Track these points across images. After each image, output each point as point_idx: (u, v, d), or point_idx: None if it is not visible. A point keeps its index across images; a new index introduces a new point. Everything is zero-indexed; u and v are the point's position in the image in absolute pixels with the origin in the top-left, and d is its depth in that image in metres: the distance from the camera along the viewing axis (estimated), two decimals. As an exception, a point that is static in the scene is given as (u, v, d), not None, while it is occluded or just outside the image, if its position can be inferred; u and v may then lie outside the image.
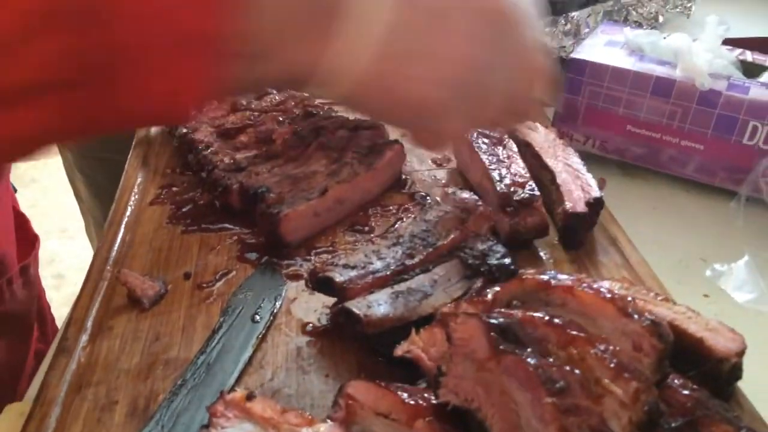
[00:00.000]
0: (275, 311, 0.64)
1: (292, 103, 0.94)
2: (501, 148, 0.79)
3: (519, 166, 0.76)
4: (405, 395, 0.48)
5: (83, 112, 0.35)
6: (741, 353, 0.55)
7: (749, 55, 0.91)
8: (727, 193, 0.85)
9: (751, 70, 0.88)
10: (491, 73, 0.48)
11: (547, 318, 0.49)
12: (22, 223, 0.83)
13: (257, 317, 0.62)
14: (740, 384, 0.57)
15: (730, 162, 0.83)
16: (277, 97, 0.94)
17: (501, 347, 0.45)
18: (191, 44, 0.34)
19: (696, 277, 0.73)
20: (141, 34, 0.33)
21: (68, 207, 1.68)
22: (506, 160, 0.77)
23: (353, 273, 0.61)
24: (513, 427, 0.42)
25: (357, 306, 0.56)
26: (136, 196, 0.80)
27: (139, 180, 0.83)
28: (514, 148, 0.80)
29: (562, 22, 1.08)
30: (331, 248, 0.72)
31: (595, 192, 0.74)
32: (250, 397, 0.49)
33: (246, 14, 0.36)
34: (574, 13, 1.09)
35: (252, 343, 0.60)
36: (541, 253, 0.73)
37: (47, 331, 0.89)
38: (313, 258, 0.71)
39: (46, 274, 0.86)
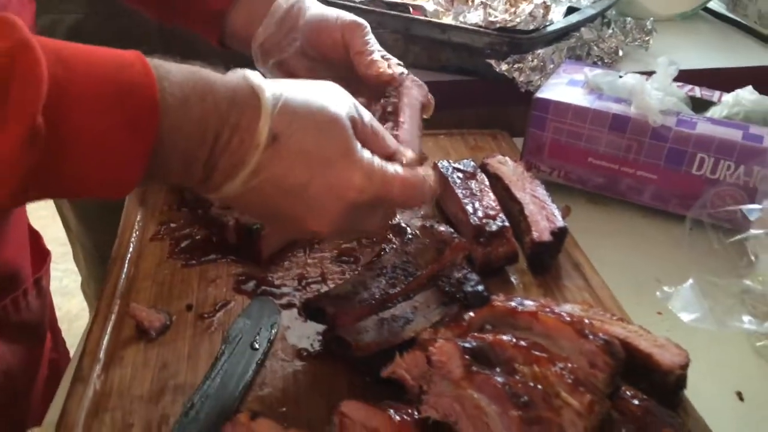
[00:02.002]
0: (272, 338, 0.70)
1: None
2: (474, 181, 0.87)
3: (490, 199, 0.84)
4: (392, 412, 0.54)
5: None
6: (685, 366, 0.62)
7: (698, 91, 1.00)
8: (680, 218, 0.93)
9: (699, 105, 0.97)
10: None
11: (513, 341, 0.57)
12: (35, 238, 0.89)
13: (256, 344, 0.69)
14: (687, 393, 0.65)
15: (681, 190, 0.92)
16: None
17: (473, 368, 0.52)
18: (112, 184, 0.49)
19: (651, 296, 0.80)
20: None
21: (51, 231, 1.72)
22: (479, 193, 0.85)
23: (342, 303, 0.67)
24: (485, 436, 0.49)
25: (347, 333, 0.63)
26: (137, 233, 0.86)
27: (138, 217, 0.89)
28: (486, 181, 0.88)
29: (530, 59, 1.17)
30: (320, 279, 0.79)
31: (559, 222, 0.82)
32: (254, 416, 0.56)
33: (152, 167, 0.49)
34: (540, 51, 1.17)
35: (252, 368, 0.66)
36: (512, 278, 0.81)
37: (58, 342, 0.95)
38: (304, 288, 0.78)
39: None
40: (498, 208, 0.82)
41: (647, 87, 0.92)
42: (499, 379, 0.51)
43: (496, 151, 1.06)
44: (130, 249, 0.83)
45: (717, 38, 1.48)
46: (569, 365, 0.54)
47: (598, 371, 0.56)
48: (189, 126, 0.50)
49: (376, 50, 0.75)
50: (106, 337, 0.70)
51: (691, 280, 0.70)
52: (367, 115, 0.60)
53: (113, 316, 0.73)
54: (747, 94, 0.94)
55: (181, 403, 0.62)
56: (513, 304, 0.62)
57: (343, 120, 0.56)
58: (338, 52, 0.76)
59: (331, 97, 0.57)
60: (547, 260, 0.81)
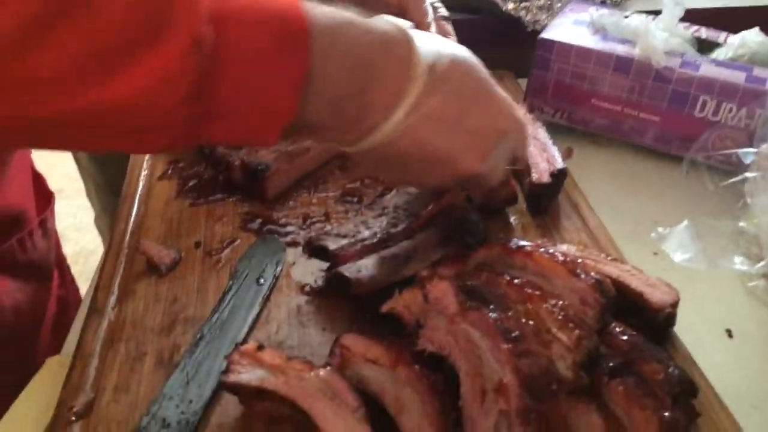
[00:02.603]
0: (277, 274, 0.73)
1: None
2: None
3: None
4: (389, 344, 0.57)
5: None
6: (675, 305, 0.65)
7: (704, 32, 0.99)
8: (681, 160, 0.94)
9: (704, 47, 0.96)
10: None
11: (508, 279, 0.59)
12: (39, 181, 0.91)
13: (261, 280, 0.72)
14: (677, 330, 0.67)
15: (683, 132, 0.92)
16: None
17: (467, 305, 0.54)
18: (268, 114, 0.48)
19: (647, 238, 0.82)
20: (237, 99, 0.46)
21: (63, 168, 1.74)
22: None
23: (344, 241, 0.70)
24: (476, 368, 0.52)
25: (348, 270, 0.66)
26: (146, 172, 0.88)
27: (147, 156, 0.91)
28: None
29: (537, -3, 1.15)
30: (324, 218, 0.81)
31: (559, 164, 0.83)
32: (260, 347, 0.59)
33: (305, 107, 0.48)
34: (548, -11, 1.15)
35: (258, 303, 0.69)
36: (511, 219, 0.82)
37: (66, 279, 0.98)
38: (308, 227, 0.80)
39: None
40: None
41: (652, 28, 0.91)
42: (492, 315, 0.53)
43: (500, 92, 1.06)
44: (140, 187, 0.86)
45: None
46: (560, 303, 0.57)
47: (588, 308, 0.59)
48: (340, 55, 0.49)
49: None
50: (119, 272, 0.73)
51: (686, 222, 0.72)
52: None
53: (125, 252, 0.76)
54: (753, 36, 0.93)
55: (191, 334, 0.66)
56: (509, 244, 0.64)
57: (474, 58, 0.58)
58: None
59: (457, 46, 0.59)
60: (545, 202, 0.82)
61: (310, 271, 0.74)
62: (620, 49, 0.92)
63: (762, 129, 0.77)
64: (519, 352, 0.52)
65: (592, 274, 0.60)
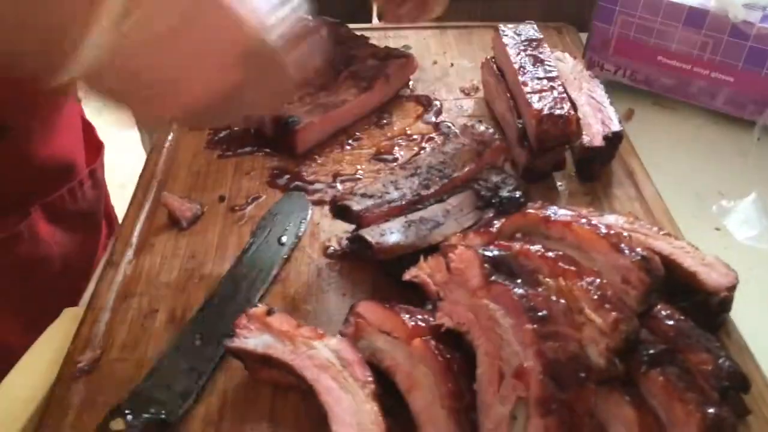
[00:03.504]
0: (300, 234, 0.69)
1: (325, 30, 0.96)
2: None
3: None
4: (406, 316, 0.53)
5: None
6: (732, 288, 0.57)
7: (794, -18, 0.88)
8: (754, 126, 0.85)
9: (792, -1, 0.85)
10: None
11: (542, 251, 0.53)
12: (89, 131, 0.90)
13: (283, 239, 0.68)
14: (734, 317, 0.60)
15: (760, 95, 0.83)
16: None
17: (492, 278, 0.49)
18: None
19: (710, 211, 0.74)
20: None
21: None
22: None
23: (370, 202, 0.65)
24: (496, 348, 0.47)
25: (370, 233, 0.61)
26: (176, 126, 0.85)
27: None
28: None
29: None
30: (355, 176, 0.77)
31: (615, 126, 0.75)
32: (270, 312, 0.55)
33: None
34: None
35: (277, 263, 0.65)
36: (558, 184, 0.76)
37: (114, 230, 0.98)
38: (338, 185, 0.75)
39: (109, 182, 0.94)
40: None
41: (733, -24, 0.81)
42: (518, 291, 0.48)
43: (560, 47, 0.98)
44: (169, 138, 0.83)
45: None
46: (599, 281, 0.51)
47: (630, 288, 0.52)
48: None
49: None
50: (139, 225, 0.71)
51: (753, 195, 0.64)
52: None
53: (148, 204, 0.73)
54: None
55: (206, 292, 0.63)
56: (547, 212, 0.58)
57: None
58: None
59: None
60: (597, 167, 0.75)
61: (335, 233, 0.70)
62: (693, 1, 0.83)
63: None
64: (545, 333, 0.46)
65: (639, 249, 0.53)
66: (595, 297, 0.49)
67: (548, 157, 0.73)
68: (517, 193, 0.67)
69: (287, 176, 0.77)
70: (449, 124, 0.84)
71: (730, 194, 0.75)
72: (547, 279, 0.51)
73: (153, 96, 0.50)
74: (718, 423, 0.48)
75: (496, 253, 0.51)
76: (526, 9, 1.12)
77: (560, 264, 0.52)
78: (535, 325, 0.46)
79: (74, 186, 0.81)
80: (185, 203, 0.72)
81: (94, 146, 0.89)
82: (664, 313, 0.55)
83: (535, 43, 0.79)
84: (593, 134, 0.74)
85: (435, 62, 0.96)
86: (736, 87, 0.84)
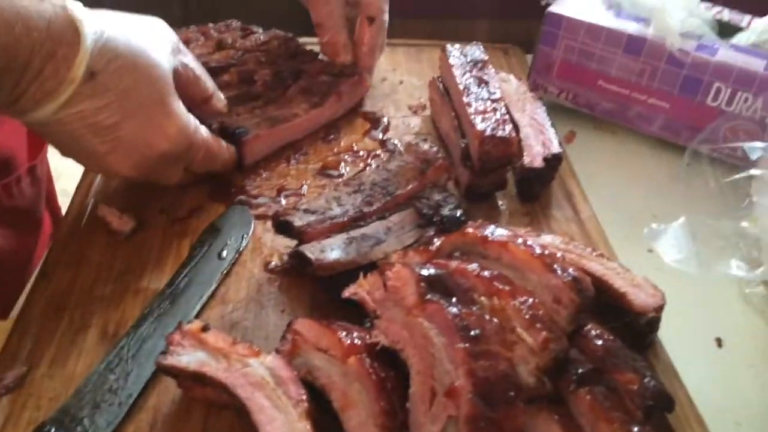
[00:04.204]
0: (241, 249, 0.68)
1: (276, 44, 0.96)
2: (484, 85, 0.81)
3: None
4: (343, 334, 0.53)
5: None
6: (659, 309, 0.59)
7: (726, 14, 0.92)
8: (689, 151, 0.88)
9: (725, 30, 0.89)
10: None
11: (477, 270, 0.54)
12: None
13: (224, 254, 0.67)
14: (663, 337, 0.62)
15: (693, 121, 0.86)
16: (261, 37, 0.96)
17: (427, 296, 0.50)
18: None
19: (639, 231, 0.76)
20: None
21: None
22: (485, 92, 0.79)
23: (312, 218, 0.65)
24: (429, 367, 0.47)
25: (310, 250, 0.61)
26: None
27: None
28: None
29: (551, -31, 1.08)
30: (299, 191, 0.77)
31: (555, 148, 0.77)
32: (205, 328, 0.55)
33: None
34: (564, -40, 1.08)
35: (216, 278, 0.65)
36: (500, 203, 0.77)
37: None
38: (281, 200, 0.75)
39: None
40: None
41: (669, 6, 0.84)
42: (452, 310, 0.48)
43: (505, 68, 1.00)
44: (111, 147, 0.81)
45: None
46: (530, 300, 0.52)
47: (561, 308, 0.54)
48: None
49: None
50: (76, 236, 0.69)
51: (682, 219, 0.66)
52: (187, 58, 0.66)
53: (85, 216, 0.72)
54: (780, 21, 0.86)
55: (141, 308, 0.62)
56: (485, 232, 0.59)
57: (162, 68, 0.60)
58: None
59: (154, 40, 0.60)
60: (537, 188, 0.77)
61: (277, 248, 0.69)
62: (632, 28, 0.86)
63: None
64: (477, 352, 0.47)
65: (571, 270, 0.55)
66: (527, 316, 0.50)
67: (490, 177, 0.74)
68: (458, 212, 0.68)
69: (231, 189, 0.76)
70: (395, 142, 0.85)
71: (663, 217, 0.77)
72: (482, 298, 0.52)
73: (89, 161, 0.63)
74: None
75: (432, 271, 0.52)
76: (474, 29, 1.14)
77: (495, 283, 0.53)
78: (467, 345, 0.47)
79: (11, 181, 0.80)
80: (124, 215, 0.70)
81: (36, 142, 0.87)
82: (593, 332, 0.56)
83: (480, 64, 0.81)
84: (534, 155, 0.76)
85: (384, 79, 0.97)
86: (671, 113, 0.87)
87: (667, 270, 0.70)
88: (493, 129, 0.72)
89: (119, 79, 0.56)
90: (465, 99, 0.75)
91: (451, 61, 0.81)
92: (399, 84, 0.97)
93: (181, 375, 0.53)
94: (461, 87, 0.77)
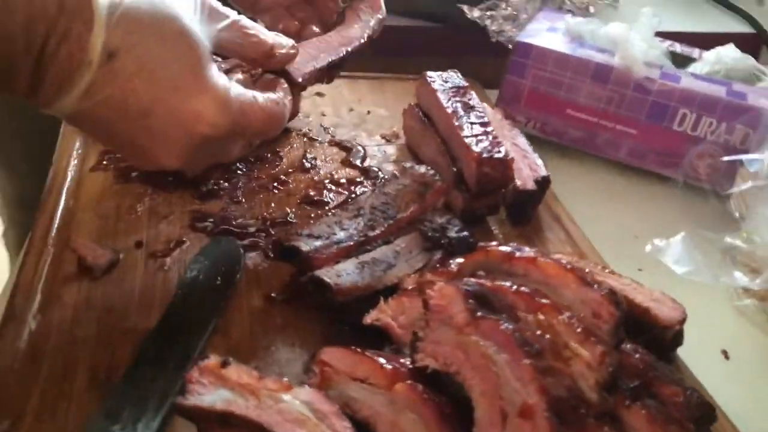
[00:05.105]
0: (235, 281, 0.63)
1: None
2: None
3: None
4: (382, 361, 0.49)
5: None
6: (682, 321, 0.59)
7: (678, 47, 0.97)
8: (656, 175, 0.91)
9: (678, 62, 0.94)
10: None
11: (514, 287, 0.52)
12: None
13: (218, 286, 0.62)
14: (678, 350, 0.62)
15: (659, 147, 0.89)
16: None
17: (479, 313, 0.47)
18: None
19: (629, 252, 0.77)
20: None
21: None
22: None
23: (318, 243, 0.61)
24: (494, 387, 0.44)
25: (327, 275, 0.57)
26: (76, 162, 0.76)
27: (77, 144, 0.79)
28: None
29: (503, 6, 1.11)
30: (286, 220, 0.72)
31: (542, 171, 0.77)
32: (224, 363, 0.49)
33: None
34: (514, -1, 1.12)
35: (215, 313, 0.59)
36: (492, 228, 0.76)
37: None
38: (270, 229, 0.70)
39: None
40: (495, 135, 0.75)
41: (631, 37, 0.88)
42: (508, 326, 0.46)
43: (465, 101, 1.00)
44: (68, 179, 0.74)
45: (679, 3, 1.46)
46: (574, 315, 0.50)
47: (602, 322, 0.52)
48: (12, 28, 0.42)
49: None
50: (43, 275, 0.61)
51: (682, 234, 0.68)
52: (226, 16, 0.53)
53: (50, 251, 0.64)
54: (729, 52, 0.92)
55: (133, 348, 0.55)
56: (509, 249, 0.57)
57: (194, 36, 0.49)
58: None
59: (183, 2, 0.49)
60: (529, 210, 0.76)
61: (274, 278, 0.64)
62: (599, 57, 0.88)
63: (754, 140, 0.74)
64: (542, 368, 0.44)
65: (604, 284, 0.54)
66: (578, 330, 0.48)
67: (485, 200, 0.73)
68: (465, 233, 0.66)
69: (211, 220, 0.70)
70: (376, 169, 0.82)
71: (646, 237, 0.79)
72: (526, 314, 0.50)
73: (131, 155, 0.54)
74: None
75: (477, 288, 0.49)
76: (426, 65, 1.15)
77: (537, 299, 0.51)
78: (532, 361, 0.44)
79: None
80: (98, 249, 0.63)
81: None
82: (629, 347, 0.55)
83: (462, 90, 0.80)
84: (524, 178, 0.75)
85: (351, 109, 0.95)
86: (638, 139, 0.90)
87: (661, 287, 0.70)
88: (489, 151, 0.71)
89: (143, 55, 0.46)
90: (456, 123, 0.74)
91: (434, 86, 0.80)
92: (367, 114, 0.95)
93: (204, 417, 0.47)
94: (449, 111, 0.76)
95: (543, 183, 0.76)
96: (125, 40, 0.45)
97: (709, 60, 0.92)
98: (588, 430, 0.44)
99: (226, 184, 0.75)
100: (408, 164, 0.72)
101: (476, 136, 0.72)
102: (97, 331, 0.56)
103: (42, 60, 0.44)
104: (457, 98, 0.79)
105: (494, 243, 0.59)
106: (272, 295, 0.62)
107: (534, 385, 0.43)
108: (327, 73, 0.69)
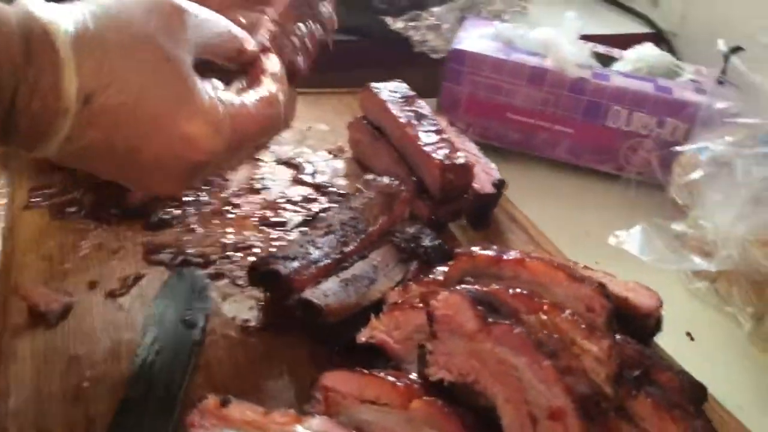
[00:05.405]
0: (208, 313, 0.59)
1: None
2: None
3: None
4: (392, 379, 0.47)
5: None
6: (660, 307, 0.61)
7: (600, 48, 1.01)
8: (592, 171, 0.94)
9: (603, 61, 0.98)
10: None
11: (511, 290, 0.51)
12: None
13: (189, 321, 0.57)
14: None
15: (596, 144, 0.92)
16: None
17: (489, 319, 0.46)
18: None
19: (582, 248, 0.79)
20: None
21: None
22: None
23: (295, 264, 0.58)
24: (516, 392, 0.43)
25: (315, 297, 0.54)
26: (6, 201, 0.70)
27: (0, 182, 0.72)
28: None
29: (425, 17, 1.12)
30: (247, 245, 0.69)
31: (497, 174, 0.78)
32: (225, 402, 0.45)
33: None
34: (435, 9, 1.13)
35: (192, 349, 0.55)
36: (455, 235, 0.75)
37: None
38: (231, 254, 0.67)
39: None
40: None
41: (561, 40, 0.91)
42: (521, 329, 0.45)
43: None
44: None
45: (580, 8, 1.53)
46: (575, 311, 0.50)
47: (596, 315, 0.52)
48: None
49: None
50: (-13, 326, 0.55)
51: (640, 226, 0.70)
52: (202, 13, 0.48)
53: (-8, 302, 0.58)
54: (649, 50, 0.96)
55: (110, 398, 0.50)
56: (494, 252, 0.57)
57: (171, 53, 0.44)
58: None
59: (154, 17, 0.44)
60: (489, 214, 0.76)
61: (246, 306, 0.61)
62: (533, 61, 0.91)
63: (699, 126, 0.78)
64: (561, 368, 0.44)
65: (590, 278, 0.54)
66: (583, 326, 0.48)
67: (448, 207, 0.72)
68: (438, 241, 0.65)
69: (169, 251, 0.66)
70: (328, 184, 0.80)
71: (596, 233, 0.81)
72: (528, 316, 0.49)
73: (131, 184, 0.51)
74: (706, 433, 0.50)
75: (482, 293, 0.48)
76: (358, 80, 1.14)
77: (536, 299, 0.50)
78: (551, 361, 0.44)
79: None
80: (50, 293, 0.58)
81: None
82: (619, 337, 0.56)
83: (410, 99, 0.80)
84: (482, 182, 0.76)
85: (292, 127, 0.92)
86: (575, 137, 0.93)
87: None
88: (450, 158, 0.71)
89: (122, 91, 0.42)
90: (412, 132, 0.73)
91: (383, 97, 0.79)
92: (307, 130, 0.92)
93: (213, 462, 0.43)
94: (403, 121, 0.75)
95: (500, 185, 0.77)
96: (100, 79, 0.41)
97: (630, 59, 0.97)
98: (611, 425, 0.44)
99: (178, 211, 0.71)
100: (370, 177, 0.71)
101: (434, 144, 0.72)
102: (63, 385, 0.51)
103: (14, 111, 0.39)
104: (408, 107, 0.78)
105: (477, 248, 0.59)
106: (249, 323, 0.59)
107: (559, 386, 0.42)
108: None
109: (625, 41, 1.07)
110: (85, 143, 0.42)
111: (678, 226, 0.75)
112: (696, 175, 0.71)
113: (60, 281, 0.61)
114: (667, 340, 0.67)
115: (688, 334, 0.70)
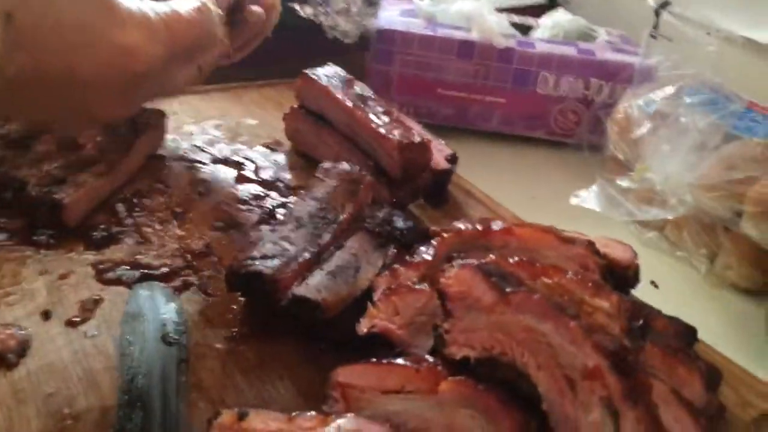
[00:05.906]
0: (185, 328, 0.54)
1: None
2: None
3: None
4: (413, 364, 0.45)
5: None
6: (636, 258, 0.62)
7: (515, 18, 1.02)
8: (527, 139, 0.96)
9: (521, 30, 0.99)
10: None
11: (510, 258, 0.51)
12: None
13: (169, 338, 0.53)
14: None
15: (528, 111, 0.94)
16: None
17: (507, 289, 0.45)
18: None
19: (535, 213, 0.79)
20: None
21: None
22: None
23: (276, 262, 0.55)
24: (548, 358, 0.42)
25: (308, 293, 0.51)
26: None
27: None
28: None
29: (334, 1, 1.10)
30: (208, 250, 0.64)
31: (446, 149, 0.77)
32: (242, 415, 0.42)
33: None
34: (343, -9, 1.10)
35: (179, 367, 0.50)
36: (417, 214, 0.74)
37: None
38: (194, 263, 0.62)
39: None
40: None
41: (484, 11, 0.91)
42: (539, 294, 0.44)
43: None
44: None
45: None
46: (575, 271, 0.50)
47: (591, 273, 0.53)
48: None
49: None
50: (-65, 378, 0.48)
51: (596, 185, 0.71)
52: None
53: (-69, 349, 0.50)
54: (562, 16, 0.99)
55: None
56: (480, 225, 0.56)
57: None
58: None
59: None
60: (446, 189, 0.76)
61: (226, 314, 0.57)
62: (460, 34, 0.90)
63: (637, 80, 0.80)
64: (587, 327, 0.44)
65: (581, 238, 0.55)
66: (589, 285, 0.49)
67: (407, 187, 0.71)
68: (411, 222, 0.64)
69: (122, 267, 0.60)
70: (273, 179, 0.76)
71: (543, 197, 0.83)
72: (532, 282, 0.49)
73: (77, 120, 0.49)
74: (711, 372, 0.51)
75: (492, 265, 0.47)
76: (271, 77, 1.10)
77: (537, 264, 0.50)
78: (575, 321, 0.43)
79: None
80: (4, 330, 0.51)
81: None
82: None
83: (349, 82, 0.77)
84: (436, 158, 0.75)
85: (219, 124, 0.87)
86: (507, 107, 0.94)
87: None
88: (407, 137, 0.69)
89: (43, 6, 0.39)
90: (362, 115, 0.71)
91: (324, 83, 0.76)
92: (236, 126, 0.88)
93: (247, 482, 0.39)
94: (350, 105, 0.73)
95: (452, 160, 0.76)
96: (17, 4, 0.38)
97: (547, 26, 0.99)
98: (640, 377, 0.44)
99: (125, 222, 0.65)
100: (328, 165, 0.68)
101: (387, 124, 0.70)
102: (42, 426, 0.45)
103: None
104: (349, 90, 0.76)
105: (461, 222, 0.58)
106: (230, 332, 0.55)
107: (589, 345, 0.42)
108: None
109: (526, 11, 1.09)
110: (16, 70, 0.38)
111: (623, 182, 0.77)
112: (644, 129, 0.73)
113: (8, 315, 0.54)
114: (636, 291, 0.69)
115: (653, 282, 0.72)
